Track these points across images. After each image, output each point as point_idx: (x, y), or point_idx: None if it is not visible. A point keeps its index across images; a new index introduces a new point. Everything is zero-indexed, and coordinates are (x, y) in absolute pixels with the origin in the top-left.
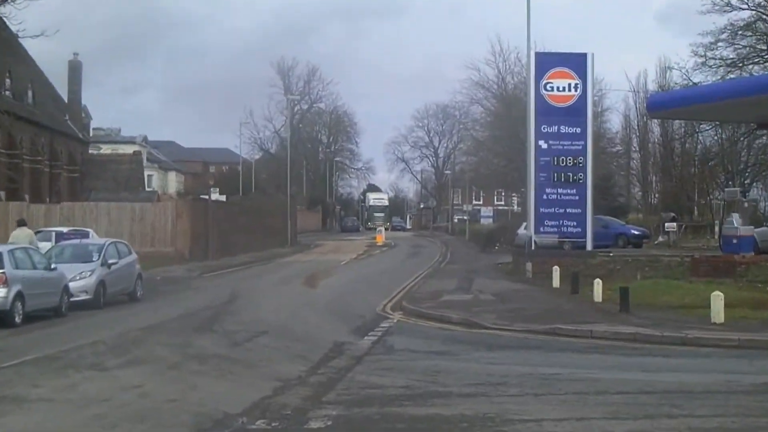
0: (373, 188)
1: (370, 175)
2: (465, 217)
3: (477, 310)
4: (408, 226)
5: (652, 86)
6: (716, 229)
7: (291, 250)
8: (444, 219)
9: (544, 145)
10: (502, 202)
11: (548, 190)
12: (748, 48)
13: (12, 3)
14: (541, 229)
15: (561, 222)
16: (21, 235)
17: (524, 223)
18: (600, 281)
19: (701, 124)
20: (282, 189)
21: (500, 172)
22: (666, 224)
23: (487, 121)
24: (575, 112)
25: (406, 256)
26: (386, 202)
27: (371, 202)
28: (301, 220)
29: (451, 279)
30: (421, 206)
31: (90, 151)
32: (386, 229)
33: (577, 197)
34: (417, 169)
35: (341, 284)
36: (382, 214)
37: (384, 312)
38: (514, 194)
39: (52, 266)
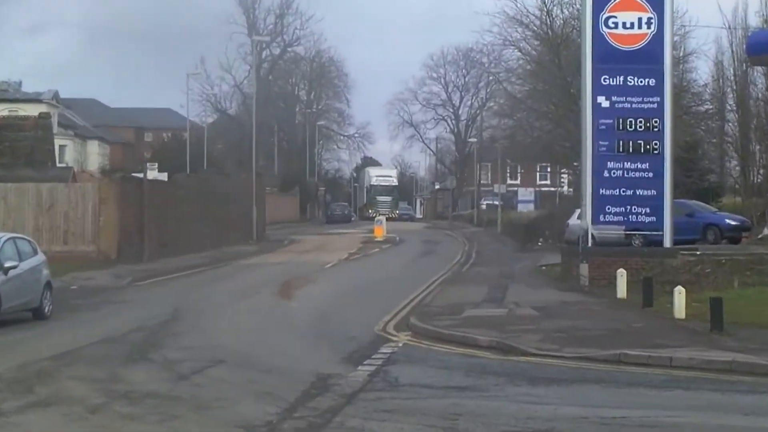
0: (370, 162)
1: (366, 145)
2: (496, 203)
3: (513, 330)
4: (418, 215)
5: (754, 21)
6: None
7: (257, 247)
8: (467, 205)
9: (605, 103)
10: (547, 182)
11: (611, 165)
12: None
13: None
14: (602, 218)
15: (629, 208)
16: None
17: (577, 211)
18: (683, 290)
19: None
20: (245, 164)
21: (544, 141)
22: None
23: (526, 71)
24: (648, 58)
25: (416, 256)
26: (394, 181)
27: (373, 181)
28: (271, 206)
29: (478, 287)
30: (437, 187)
31: None
32: (390, 218)
33: (650, 174)
34: (430, 136)
35: (327, 295)
36: (388, 198)
37: (385, 332)
38: (563, 170)
39: None
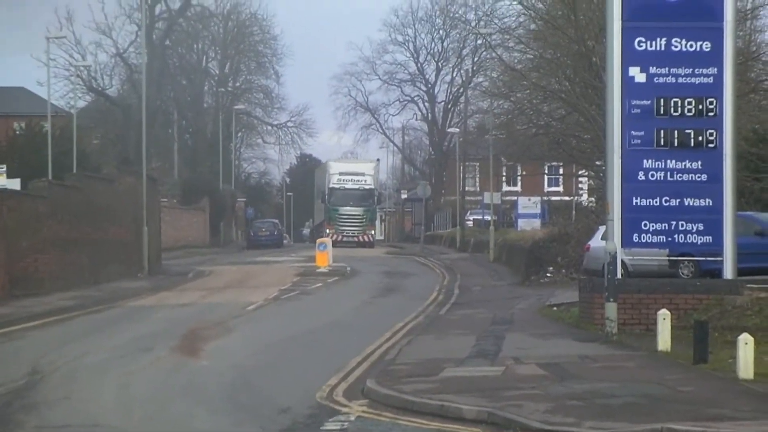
0: (309, 162)
1: (305, 138)
2: (487, 217)
3: (511, 397)
4: (377, 236)
5: None
6: None
7: (150, 283)
8: (446, 221)
9: (640, 77)
10: (559, 188)
11: (648, 164)
12: None
13: None
14: (636, 238)
15: (674, 225)
16: None
17: (602, 229)
18: (750, 339)
19: None
20: (133, 165)
21: (555, 131)
22: None
23: (529, 32)
24: (701, 11)
25: (375, 294)
26: (368, 182)
27: (333, 181)
28: (170, 225)
29: (463, 336)
30: (404, 197)
31: None
32: (338, 240)
33: (704, 177)
34: (394, 125)
35: (250, 349)
36: (357, 211)
37: (331, 401)
38: (582, 172)
39: None
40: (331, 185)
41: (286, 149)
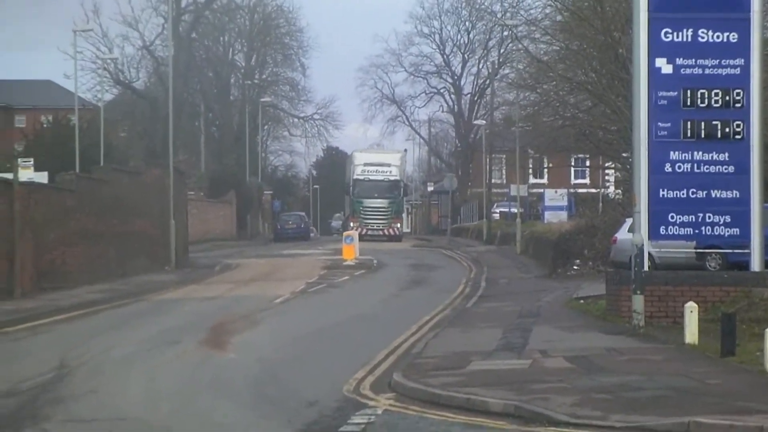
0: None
1: (331, 130)
2: (514, 210)
3: (538, 390)
4: (404, 228)
5: None
6: None
7: (177, 276)
8: (473, 214)
9: (667, 68)
10: (586, 180)
11: (675, 156)
12: None
13: None
14: (663, 231)
15: (701, 217)
16: None
17: (629, 221)
18: None
19: None
20: (160, 158)
21: (581, 123)
22: None
23: (556, 23)
24: (726, 2)
25: (402, 287)
26: (393, 173)
27: (357, 173)
28: (197, 218)
29: (489, 329)
30: (430, 189)
31: None
32: (363, 234)
33: (731, 168)
34: (420, 117)
35: (277, 342)
36: (382, 203)
37: (358, 394)
38: (609, 164)
39: None
40: (355, 176)
41: (313, 142)
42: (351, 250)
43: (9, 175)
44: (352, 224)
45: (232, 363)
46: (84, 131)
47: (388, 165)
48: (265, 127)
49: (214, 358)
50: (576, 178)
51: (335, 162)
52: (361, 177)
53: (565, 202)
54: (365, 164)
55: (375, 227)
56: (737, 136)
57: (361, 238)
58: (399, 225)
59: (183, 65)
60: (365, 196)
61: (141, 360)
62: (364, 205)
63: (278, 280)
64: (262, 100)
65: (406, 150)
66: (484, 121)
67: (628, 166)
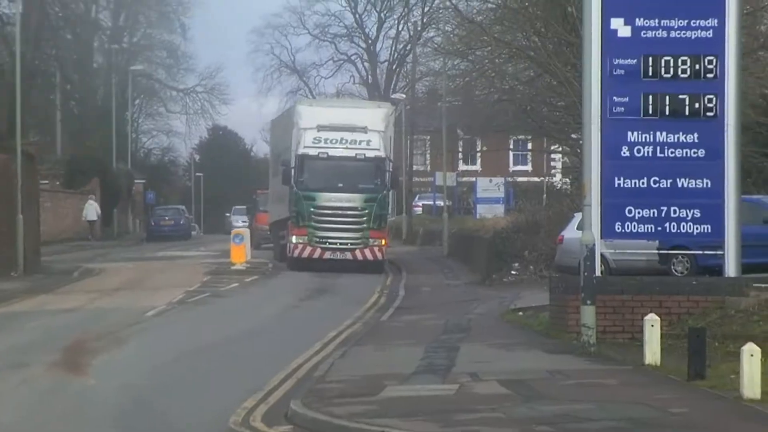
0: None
1: (218, 106)
2: (440, 202)
3: (468, 420)
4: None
5: None
6: None
7: (26, 284)
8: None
9: (624, 30)
10: (527, 167)
11: (634, 137)
12: None
13: None
14: (619, 228)
15: (665, 211)
16: None
17: (578, 216)
18: (757, 350)
19: None
20: (5, 140)
21: (522, 97)
22: None
23: None
24: None
25: (303, 296)
26: (374, 143)
27: (308, 144)
28: (52, 212)
29: (409, 346)
30: None
31: None
32: (315, 257)
33: (701, 152)
34: (327, 89)
35: (147, 364)
36: (355, 199)
37: (247, 427)
38: (555, 147)
39: None
40: (302, 150)
41: (195, 120)
42: (241, 252)
43: None
44: (294, 238)
45: (92, 390)
46: None
47: (363, 129)
48: (137, 101)
49: (69, 384)
50: (515, 164)
51: (223, 144)
52: (313, 151)
53: (501, 194)
54: (320, 127)
55: (338, 244)
56: (709, 113)
57: (310, 263)
58: (382, 242)
59: (34, 25)
60: (320, 188)
61: None
62: (318, 205)
63: (151, 288)
64: (133, 68)
65: (395, 104)
66: (403, 95)
67: (578, 150)
